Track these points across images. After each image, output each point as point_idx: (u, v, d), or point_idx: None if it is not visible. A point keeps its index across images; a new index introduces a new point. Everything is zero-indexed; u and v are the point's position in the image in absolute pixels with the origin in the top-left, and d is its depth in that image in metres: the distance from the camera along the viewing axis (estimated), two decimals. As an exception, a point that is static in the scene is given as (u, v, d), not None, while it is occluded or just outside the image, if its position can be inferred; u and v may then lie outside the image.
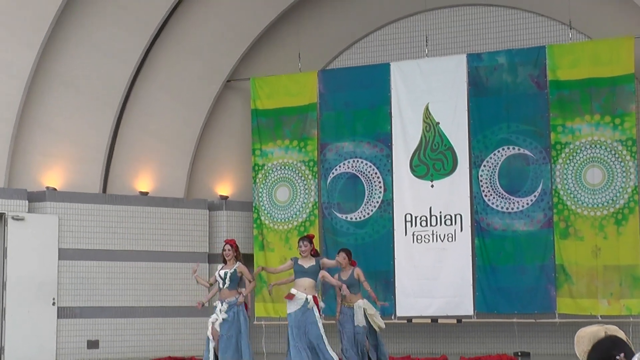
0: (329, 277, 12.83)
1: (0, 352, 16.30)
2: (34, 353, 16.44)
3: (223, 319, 12.40)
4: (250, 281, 12.80)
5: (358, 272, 13.33)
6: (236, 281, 12.62)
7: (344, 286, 13.09)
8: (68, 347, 16.94)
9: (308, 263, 12.68)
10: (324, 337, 12.37)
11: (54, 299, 16.77)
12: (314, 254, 12.94)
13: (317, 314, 12.46)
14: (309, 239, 12.85)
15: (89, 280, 17.25)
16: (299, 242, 13.00)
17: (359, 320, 13.00)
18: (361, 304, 13.10)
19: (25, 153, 17.27)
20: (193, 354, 17.35)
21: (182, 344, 17.82)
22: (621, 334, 4.73)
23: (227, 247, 12.75)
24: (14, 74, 16.62)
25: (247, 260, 18.05)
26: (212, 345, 12.40)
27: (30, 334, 16.43)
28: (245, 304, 13.19)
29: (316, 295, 12.66)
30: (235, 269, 12.62)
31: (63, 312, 16.92)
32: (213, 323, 12.49)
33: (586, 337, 4.71)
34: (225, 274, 12.59)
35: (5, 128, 16.73)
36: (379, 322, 13.18)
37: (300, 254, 12.86)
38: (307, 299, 12.53)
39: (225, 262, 12.77)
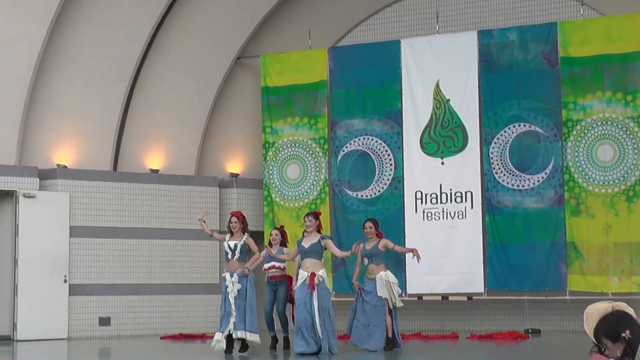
0: (332, 246, 12.54)
1: (13, 328, 16.37)
2: (46, 330, 16.51)
3: (237, 290, 12.38)
4: (256, 252, 12.81)
5: (385, 242, 13.07)
6: (245, 253, 12.64)
7: (355, 284, 13.00)
8: (80, 324, 17.01)
9: (310, 241, 12.47)
10: (316, 316, 12.18)
11: (65, 276, 16.82)
12: (319, 230, 12.75)
13: (316, 292, 12.23)
14: (315, 215, 12.69)
15: (100, 257, 17.30)
16: (303, 218, 12.87)
17: (382, 292, 12.89)
18: (383, 275, 12.97)
19: (36, 130, 17.28)
20: (204, 331, 17.42)
21: (193, 321, 17.85)
22: (630, 311, 4.72)
23: (234, 219, 12.75)
24: (24, 51, 16.62)
25: (258, 237, 18.06)
26: (232, 319, 12.37)
27: (42, 311, 16.49)
28: (288, 277, 13.54)
29: (319, 272, 12.38)
30: (244, 241, 12.61)
31: (75, 289, 16.98)
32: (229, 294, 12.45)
33: (595, 313, 4.71)
34: (235, 245, 12.58)
35: (16, 105, 16.75)
36: (396, 297, 13.00)
37: (304, 229, 12.71)
38: (305, 279, 12.39)
39: (232, 234, 12.74)
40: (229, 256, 12.62)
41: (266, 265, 13.65)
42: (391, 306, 12.95)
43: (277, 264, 13.61)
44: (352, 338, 12.95)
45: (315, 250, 12.33)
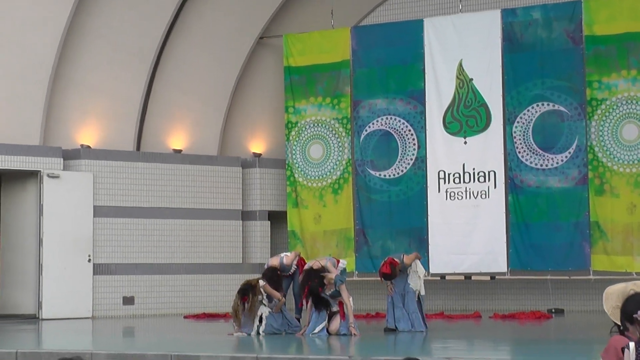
0: (344, 292, 12.32)
1: (38, 307, 16.48)
2: (70, 309, 16.62)
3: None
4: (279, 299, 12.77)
5: (407, 259, 12.95)
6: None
7: (389, 287, 12.98)
8: (104, 303, 17.11)
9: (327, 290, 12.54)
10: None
11: (89, 255, 16.91)
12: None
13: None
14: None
15: (124, 237, 17.37)
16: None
17: (413, 284, 12.92)
18: (415, 268, 13.00)
19: (59, 110, 17.32)
20: (227, 311, 17.32)
21: (215, 301, 17.90)
22: None
23: (262, 282, 12.66)
24: (48, 32, 16.66)
25: (281, 217, 18.17)
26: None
27: (67, 290, 16.60)
28: (301, 260, 13.57)
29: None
30: (268, 295, 12.63)
31: (99, 269, 17.07)
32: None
33: (614, 293, 4.68)
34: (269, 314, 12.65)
35: (40, 86, 16.79)
36: (422, 287, 13.06)
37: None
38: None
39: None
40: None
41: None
42: (418, 297, 13.02)
43: (289, 273, 13.58)
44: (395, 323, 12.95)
45: (334, 296, 12.34)
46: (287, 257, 13.54)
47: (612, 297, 4.66)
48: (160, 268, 17.66)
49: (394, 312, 12.91)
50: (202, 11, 18.33)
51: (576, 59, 16.45)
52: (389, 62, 17.65)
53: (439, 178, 17.20)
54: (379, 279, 13.03)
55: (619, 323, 4.65)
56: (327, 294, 12.32)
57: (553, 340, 12.46)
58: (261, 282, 12.68)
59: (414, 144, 17.45)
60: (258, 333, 12.46)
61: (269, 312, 12.52)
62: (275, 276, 12.92)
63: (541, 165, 16.61)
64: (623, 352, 4.63)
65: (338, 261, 12.79)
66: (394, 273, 12.79)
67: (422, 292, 13.08)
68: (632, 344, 4.63)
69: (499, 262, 16.63)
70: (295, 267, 13.57)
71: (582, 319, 15.47)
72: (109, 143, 17.60)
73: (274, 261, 13.35)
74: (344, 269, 12.73)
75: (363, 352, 10.65)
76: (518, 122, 16.77)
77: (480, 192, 16.88)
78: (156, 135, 18.28)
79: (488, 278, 17.02)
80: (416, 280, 13.00)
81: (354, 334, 12.11)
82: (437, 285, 17.15)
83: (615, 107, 16.27)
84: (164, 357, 10.34)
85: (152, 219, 17.61)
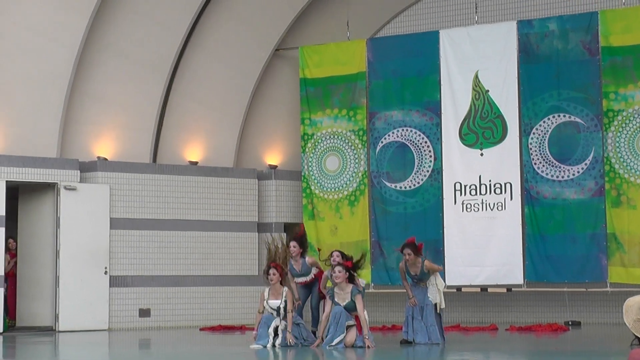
0: (360, 303, 12.25)
1: (55, 319, 16.50)
2: (87, 321, 16.64)
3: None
4: (294, 303, 12.73)
5: (428, 265, 12.91)
6: (285, 309, 12.60)
7: (412, 300, 12.94)
8: (120, 315, 17.13)
9: (342, 298, 12.34)
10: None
11: (106, 267, 16.94)
12: (351, 277, 12.65)
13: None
14: (345, 266, 12.49)
15: (140, 249, 17.39)
16: (333, 269, 12.51)
17: (433, 297, 12.89)
18: (433, 281, 12.95)
19: (76, 123, 17.38)
20: (243, 323, 17.47)
21: (232, 313, 17.93)
22: None
23: (273, 271, 12.61)
24: (64, 44, 16.72)
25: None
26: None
27: (83, 302, 16.62)
28: (319, 273, 13.55)
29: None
30: (285, 299, 12.55)
31: (115, 281, 17.10)
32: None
33: (634, 305, 4.63)
34: (278, 308, 12.54)
35: (56, 98, 16.86)
36: (442, 300, 13.05)
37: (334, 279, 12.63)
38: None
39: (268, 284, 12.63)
40: (275, 316, 12.56)
41: (297, 280, 13.65)
42: (438, 310, 12.98)
43: (306, 279, 13.60)
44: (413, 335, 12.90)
45: (349, 308, 12.28)
46: (309, 258, 13.59)
47: (633, 310, 4.62)
48: (176, 280, 17.68)
49: (413, 324, 12.87)
50: (218, 23, 18.37)
51: (592, 70, 16.42)
52: (405, 73, 17.66)
53: (455, 190, 17.18)
54: (400, 249, 12.90)
55: (640, 336, 4.61)
56: (342, 304, 12.28)
57: (570, 353, 12.38)
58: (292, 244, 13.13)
59: (430, 156, 17.44)
60: (274, 345, 12.42)
61: (285, 325, 12.48)
62: (305, 240, 13.49)
63: (557, 176, 16.56)
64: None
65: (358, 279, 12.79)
66: (415, 249, 12.79)
67: (442, 306, 13.03)
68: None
69: (515, 274, 16.59)
70: (314, 277, 13.56)
71: (599, 331, 15.40)
72: (126, 155, 17.65)
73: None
74: (364, 288, 12.71)
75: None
76: (534, 133, 16.74)
77: (497, 204, 16.85)
78: (172, 147, 18.34)
79: (504, 290, 17.01)
80: (435, 294, 12.95)
81: (369, 346, 12.07)
82: (453, 297, 17.09)
83: (632, 118, 16.21)
84: (180, 370, 10.30)
85: (168, 230, 17.64)
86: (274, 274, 12.50)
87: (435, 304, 12.94)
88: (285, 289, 12.54)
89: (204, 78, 18.54)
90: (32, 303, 16.89)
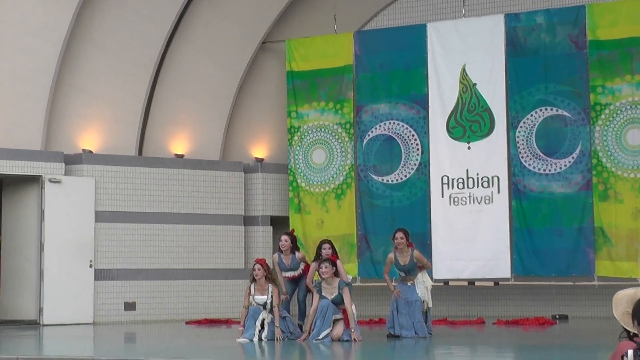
0: (347, 296, 12.18)
1: (39, 313, 16.42)
2: (72, 315, 16.56)
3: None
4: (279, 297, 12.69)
5: (418, 255, 12.95)
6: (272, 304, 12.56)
7: (396, 291, 12.89)
8: (105, 309, 17.07)
9: (330, 292, 12.28)
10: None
11: (91, 261, 16.86)
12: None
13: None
14: (331, 261, 12.48)
15: (126, 242, 17.32)
16: (320, 265, 12.45)
17: (422, 294, 12.85)
18: (421, 279, 12.93)
19: (61, 116, 17.29)
20: (229, 316, 17.42)
21: (218, 306, 17.88)
22: None
23: (257, 266, 12.57)
24: (50, 37, 16.63)
25: (283, 222, 18.09)
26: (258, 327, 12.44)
27: (68, 296, 16.53)
28: (306, 266, 13.50)
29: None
30: (272, 295, 12.50)
31: (100, 274, 17.02)
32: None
33: (624, 298, 4.61)
34: (265, 303, 12.50)
35: (42, 91, 16.76)
36: (429, 299, 13.03)
37: (320, 275, 12.58)
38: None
39: (254, 279, 12.58)
40: (261, 308, 12.52)
41: (285, 274, 13.61)
42: (425, 308, 12.95)
43: (294, 274, 13.56)
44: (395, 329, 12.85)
45: (337, 301, 12.23)
46: (299, 253, 13.58)
47: (622, 303, 4.59)
48: (162, 273, 17.61)
49: (398, 319, 12.83)
50: (205, 16, 18.30)
51: (580, 63, 16.41)
52: (392, 66, 17.63)
53: (442, 183, 17.16)
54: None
55: (630, 329, 4.58)
56: (329, 298, 12.25)
57: (557, 346, 12.38)
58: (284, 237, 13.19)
59: (417, 149, 17.43)
60: (260, 339, 12.39)
61: (272, 318, 12.45)
62: (295, 239, 13.56)
63: (544, 170, 16.57)
64: (622, 359, 4.58)
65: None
66: (407, 234, 12.89)
67: (430, 305, 12.99)
68: (630, 351, 4.58)
69: (502, 268, 16.59)
70: (302, 271, 13.55)
71: (587, 325, 15.39)
72: (111, 148, 17.58)
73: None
74: (350, 283, 12.67)
75: (367, 358, 10.57)
76: (521, 127, 16.74)
77: (484, 197, 16.84)
78: (158, 140, 18.28)
79: (492, 284, 16.99)
80: (423, 291, 12.92)
81: (355, 339, 12.04)
82: (440, 291, 17.04)
83: (619, 112, 16.20)
84: (165, 363, 10.25)
85: (153, 224, 17.57)
86: (258, 269, 12.47)
87: (424, 302, 12.89)
88: (271, 285, 12.50)
89: (190, 71, 18.47)
90: (16, 296, 16.79)
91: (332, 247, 13.12)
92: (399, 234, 12.90)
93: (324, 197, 18.05)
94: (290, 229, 15.30)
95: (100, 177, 17.13)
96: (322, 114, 18.23)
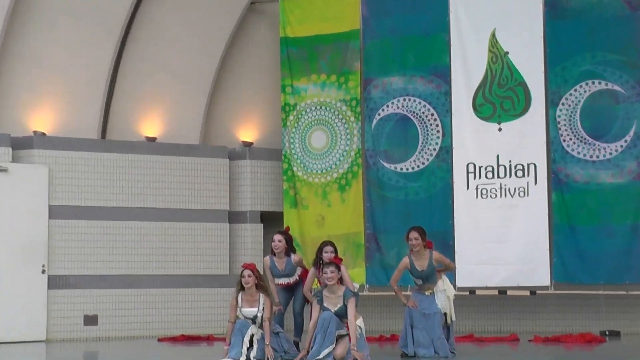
0: (352, 308, 12.24)
1: (-18, 328, 16.42)
2: (21, 329, 16.53)
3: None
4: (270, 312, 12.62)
5: (438, 256, 13.04)
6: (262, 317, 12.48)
7: (411, 302, 12.88)
8: (61, 323, 17.02)
9: (333, 302, 12.27)
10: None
11: (43, 265, 16.85)
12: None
13: None
14: (336, 265, 12.47)
15: (86, 243, 17.30)
16: (324, 270, 12.53)
17: (443, 305, 12.92)
18: (442, 286, 12.99)
19: (8, 91, 17.26)
20: (211, 332, 17.45)
21: (197, 320, 17.92)
22: None
23: (247, 272, 12.50)
24: (-6, -5, 16.66)
25: (276, 219, 18.10)
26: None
27: (16, 307, 16.51)
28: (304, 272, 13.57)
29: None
30: (263, 306, 12.39)
31: (55, 282, 16.98)
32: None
33: None
34: (255, 316, 12.38)
35: (-16, 61, 16.86)
36: (452, 311, 13.06)
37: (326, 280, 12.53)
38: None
39: (242, 287, 12.51)
40: (249, 322, 12.43)
41: (278, 281, 13.63)
42: (448, 321, 13.03)
43: (289, 281, 13.57)
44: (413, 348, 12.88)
45: (341, 314, 12.20)
46: (295, 256, 13.59)
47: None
48: (130, 281, 17.61)
49: (413, 335, 12.84)
50: (181, -29, 18.38)
51: (634, 27, 16.41)
52: (408, 32, 17.66)
53: (467, 172, 17.16)
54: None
55: None
56: (332, 310, 12.13)
57: (608, 368, 12.37)
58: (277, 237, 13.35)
59: (438, 131, 17.42)
60: (248, 359, 12.30)
61: (261, 334, 12.35)
62: (291, 239, 13.62)
63: (591, 156, 16.59)
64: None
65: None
66: (423, 233, 13.00)
67: (453, 318, 13.08)
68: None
69: (540, 274, 16.58)
70: (298, 278, 13.57)
71: (642, 342, 15.50)
72: (68, 130, 17.58)
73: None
74: (357, 291, 12.66)
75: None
76: (563, 104, 16.73)
77: (518, 189, 16.83)
78: (125, 121, 18.28)
79: (527, 293, 16.94)
80: (444, 301, 12.98)
81: (356, 359, 11.90)
82: (465, 301, 17.04)
83: (682, 85, 16.28)
84: (131, 389, 10.16)
85: (120, 221, 17.58)
86: (248, 276, 12.48)
87: (445, 314, 12.95)
88: (262, 295, 12.41)
89: (164, 38, 18.49)
90: (-46, 309, 16.75)
91: (335, 251, 13.17)
92: (413, 234, 13.01)
93: (324, 188, 18.07)
94: (285, 226, 15.24)
95: (55, 164, 17.12)
96: (322, 89, 18.26)
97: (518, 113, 16.94)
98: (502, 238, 16.79)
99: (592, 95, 16.58)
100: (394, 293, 13.31)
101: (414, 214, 17.10)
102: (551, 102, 16.77)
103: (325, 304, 12.28)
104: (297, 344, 13.14)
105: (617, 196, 16.36)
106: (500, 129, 17.03)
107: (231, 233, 18.42)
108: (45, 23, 17.39)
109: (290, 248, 13.63)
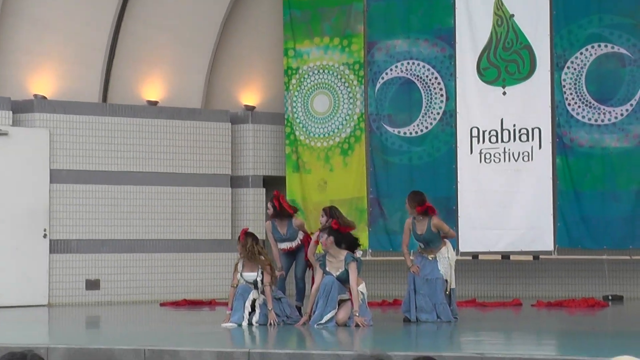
0: (353, 272, 12.37)
1: (-16, 293, 16.50)
2: (23, 295, 16.59)
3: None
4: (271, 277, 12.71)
5: (437, 222, 13.10)
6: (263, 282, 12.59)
7: (414, 267, 12.95)
8: (63, 288, 17.07)
9: (335, 267, 12.40)
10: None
11: (45, 230, 16.89)
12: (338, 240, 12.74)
13: None
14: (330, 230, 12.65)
15: (88, 207, 17.34)
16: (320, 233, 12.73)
17: (445, 272, 12.97)
18: (445, 253, 13.05)
19: (7, 53, 17.26)
20: (213, 297, 17.47)
21: (199, 285, 17.94)
22: None
23: (239, 245, 12.61)
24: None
25: (278, 183, 18.09)
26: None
27: (18, 273, 16.56)
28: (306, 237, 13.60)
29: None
30: (262, 272, 12.50)
31: (56, 246, 17.04)
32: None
33: None
34: (255, 281, 12.50)
35: (-17, 23, 16.80)
36: (452, 278, 13.10)
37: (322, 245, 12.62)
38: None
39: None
40: (251, 287, 12.55)
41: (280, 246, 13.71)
42: (448, 290, 13.05)
43: (291, 245, 13.63)
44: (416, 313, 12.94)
45: (343, 278, 12.29)
46: (296, 220, 13.64)
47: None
48: (132, 245, 17.66)
49: (416, 300, 12.87)
50: None
51: (642, -11, 16.38)
52: (411, -7, 17.65)
53: (471, 136, 17.19)
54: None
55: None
56: (335, 274, 12.26)
57: (610, 333, 12.38)
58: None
59: (442, 95, 17.44)
60: (250, 324, 12.42)
61: (264, 299, 12.48)
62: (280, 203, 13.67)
63: (596, 120, 16.59)
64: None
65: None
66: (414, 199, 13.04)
67: (453, 285, 13.12)
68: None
69: (544, 239, 16.62)
70: (300, 242, 13.58)
71: (646, 308, 15.43)
72: (69, 93, 17.55)
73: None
74: (359, 257, 12.71)
75: (378, 346, 10.54)
76: (569, 67, 16.74)
77: (522, 153, 16.87)
78: (126, 84, 18.26)
79: (530, 258, 17.04)
80: (446, 267, 13.02)
81: (358, 324, 12.03)
82: (468, 267, 17.12)
83: (690, 49, 16.26)
84: (135, 353, 10.30)
85: (121, 185, 17.60)
86: (241, 247, 12.57)
87: (446, 281, 12.99)
88: (263, 259, 12.53)
89: (166, 0, 18.38)
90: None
91: (333, 214, 13.12)
92: (407, 200, 13.14)
93: (327, 152, 18.11)
94: (274, 192, 15.06)
95: (56, 128, 17.11)
96: (325, 52, 18.25)
97: (523, 77, 16.93)
98: (505, 203, 16.82)
99: (598, 59, 16.54)
100: (399, 257, 13.35)
101: (418, 179, 17.16)
102: (556, 66, 16.73)
103: (327, 269, 12.37)
104: (299, 309, 13.24)
105: (622, 161, 16.38)
106: (504, 93, 17.05)
107: (233, 197, 18.45)
108: (45, -16, 17.38)
109: (283, 212, 13.67)
